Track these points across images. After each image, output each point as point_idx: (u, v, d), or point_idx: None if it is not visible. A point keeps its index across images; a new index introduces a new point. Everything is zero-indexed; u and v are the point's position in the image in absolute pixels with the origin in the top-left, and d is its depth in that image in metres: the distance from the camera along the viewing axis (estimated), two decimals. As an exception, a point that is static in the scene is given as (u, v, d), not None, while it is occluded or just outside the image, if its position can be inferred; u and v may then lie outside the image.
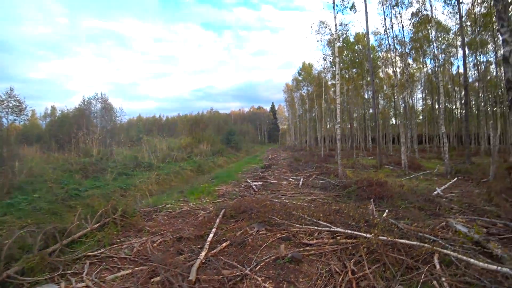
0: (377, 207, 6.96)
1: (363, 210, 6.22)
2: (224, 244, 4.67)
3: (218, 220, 5.84)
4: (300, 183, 11.29)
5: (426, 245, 3.90)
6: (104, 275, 3.90)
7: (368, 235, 4.36)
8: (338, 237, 4.66)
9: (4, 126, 14.88)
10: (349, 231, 4.73)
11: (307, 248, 4.42)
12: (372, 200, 7.42)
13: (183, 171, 16.74)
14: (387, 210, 6.41)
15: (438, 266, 3.56)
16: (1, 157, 11.97)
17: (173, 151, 22.05)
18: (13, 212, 7.70)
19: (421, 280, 3.27)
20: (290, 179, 12.75)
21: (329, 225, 5.16)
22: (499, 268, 3.33)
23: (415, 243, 4.00)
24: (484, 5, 15.97)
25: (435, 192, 8.63)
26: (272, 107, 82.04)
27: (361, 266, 3.77)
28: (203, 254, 4.20)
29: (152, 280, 3.58)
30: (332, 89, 35.27)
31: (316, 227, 5.14)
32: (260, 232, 5.17)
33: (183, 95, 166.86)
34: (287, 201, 7.92)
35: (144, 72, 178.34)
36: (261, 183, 11.78)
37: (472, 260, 3.56)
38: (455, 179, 11.24)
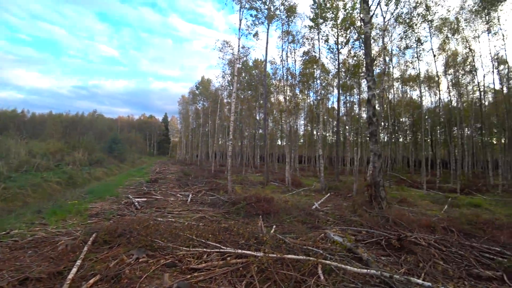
0: (265, 223, 7.12)
1: (252, 227, 6.21)
2: (92, 280, 3.69)
3: (86, 249, 4.69)
4: (189, 199, 10.72)
5: (311, 258, 4.09)
6: None
7: (258, 254, 4.26)
8: (228, 258, 4.38)
9: None
10: (239, 251, 4.53)
11: (195, 274, 3.95)
12: (260, 216, 7.57)
13: (47, 184, 13.49)
14: (274, 226, 6.62)
15: (322, 277, 3.74)
16: None
17: (35, 157, 17.73)
18: None
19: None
20: (178, 195, 11.98)
21: (218, 245, 4.84)
22: (368, 271, 3.83)
23: (301, 257, 4.14)
24: (355, 58, 20.30)
25: (314, 206, 9.62)
26: (165, 118, 77.74)
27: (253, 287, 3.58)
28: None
29: None
30: (227, 107, 36.42)
31: (204, 249, 4.72)
32: (140, 260, 4.37)
33: (61, 91, 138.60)
34: (173, 219, 7.24)
35: (8, 52, 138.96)
36: (145, 199, 10.60)
37: (348, 268, 3.93)
38: (328, 194, 12.94)
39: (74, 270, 3.90)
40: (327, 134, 40.34)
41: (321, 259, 4.13)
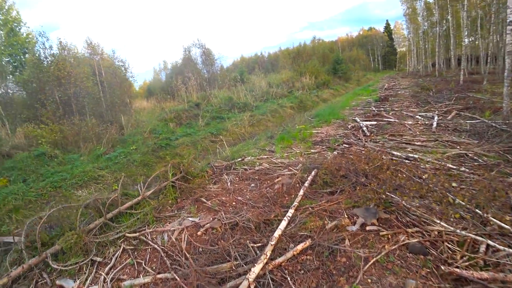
0: None
1: None
2: (300, 246, 2.82)
3: (301, 192, 3.95)
4: (434, 123, 7.84)
5: None
6: (123, 278, 2.85)
7: None
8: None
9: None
10: None
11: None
12: None
13: (282, 109, 15.13)
14: None
15: None
16: (110, 115, 12.91)
17: (272, 87, 20.48)
18: (111, 166, 7.89)
19: None
20: (418, 116, 9.24)
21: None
22: None
23: None
24: None
25: None
26: (387, 26, 66.45)
27: None
28: (256, 269, 2.49)
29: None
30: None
31: (482, 238, 2.55)
32: (368, 227, 3.01)
33: (287, 30, 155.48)
34: (415, 155, 5.15)
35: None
36: (375, 122, 8.96)
37: None
38: None
39: (284, 224, 3.20)
40: None
41: None
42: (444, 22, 31.42)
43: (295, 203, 3.64)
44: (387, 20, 67.96)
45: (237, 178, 5.13)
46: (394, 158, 4.96)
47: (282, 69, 28.74)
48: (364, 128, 8.14)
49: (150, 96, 27.46)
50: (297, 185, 4.28)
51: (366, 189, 3.54)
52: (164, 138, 9.61)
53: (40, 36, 14.08)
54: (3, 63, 18.87)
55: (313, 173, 4.61)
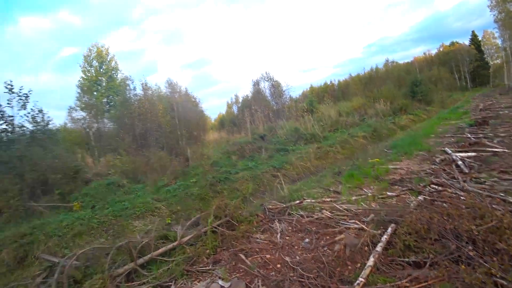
0: None
1: None
2: None
3: (372, 261, 2.84)
4: None
5: None
6: None
7: None
8: None
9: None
10: None
11: None
12: None
13: (353, 139, 13.74)
14: None
15: None
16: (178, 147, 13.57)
17: (342, 116, 19.15)
18: (168, 198, 7.86)
19: None
20: (536, 144, 7.04)
21: None
22: None
23: None
24: None
25: None
26: (473, 38, 57.00)
27: None
28: None
29: None
30: None
31: None
32: None
33: (355, 56, 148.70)
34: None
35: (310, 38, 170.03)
36: (474, 154, 7.09)
37: None
38: None
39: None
40: None
41: None
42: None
43: (360, 278, 2.57)
44: (472, 31, 59.42)
45: (290, 228, 4.23)
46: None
47: (353, 96, 27.17)
48: (460, 162, 6.42)
49: (222, 128, 28.95)
50: (366, 247, 3.14)
51: (477, 268, 2.27)
52: (224, 172, 9.34)
53: (127, 80, 16.38)
54: (102, 103, 22.57)
55: (389, 230, 3.39)
